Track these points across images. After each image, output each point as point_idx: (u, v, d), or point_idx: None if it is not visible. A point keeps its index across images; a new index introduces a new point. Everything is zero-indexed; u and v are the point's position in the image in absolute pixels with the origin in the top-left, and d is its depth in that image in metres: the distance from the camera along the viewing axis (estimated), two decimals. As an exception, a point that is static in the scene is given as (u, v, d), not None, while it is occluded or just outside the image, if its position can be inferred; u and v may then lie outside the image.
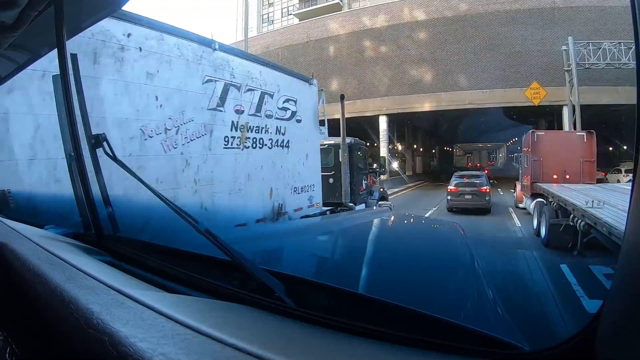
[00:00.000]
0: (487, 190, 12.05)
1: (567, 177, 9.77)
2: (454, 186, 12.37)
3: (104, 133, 1.22)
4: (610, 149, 24.46)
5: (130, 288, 0.76)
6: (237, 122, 4.20)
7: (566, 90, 18.10)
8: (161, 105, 3.31)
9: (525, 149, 11.42)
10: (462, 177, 12.97)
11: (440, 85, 21.74)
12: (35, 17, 1.16)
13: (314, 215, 5.62)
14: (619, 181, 16.11)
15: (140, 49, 3.17)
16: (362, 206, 7.46)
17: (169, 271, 0.94)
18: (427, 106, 21.93)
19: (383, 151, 21.55)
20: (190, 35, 3.72)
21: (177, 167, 3.44)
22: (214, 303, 0.79)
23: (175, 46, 3.51)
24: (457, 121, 29.61)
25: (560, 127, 19.10)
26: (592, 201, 5.80)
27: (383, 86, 23.20)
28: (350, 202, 6.76)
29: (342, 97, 6.91)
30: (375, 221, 2.40)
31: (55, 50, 1.22)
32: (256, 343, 0.55)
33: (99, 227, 1.19)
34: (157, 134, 3.27)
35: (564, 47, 18.09)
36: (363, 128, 25.08)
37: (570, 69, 17.85)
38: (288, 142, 5.15)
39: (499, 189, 19.19)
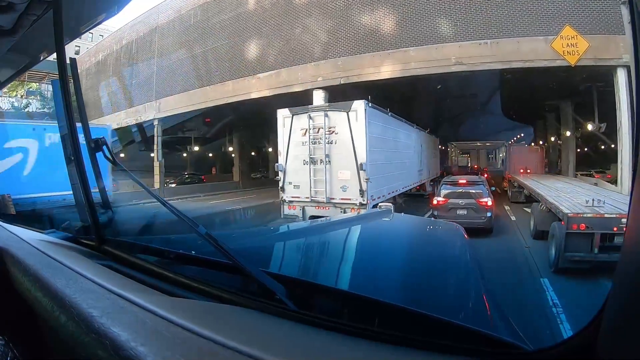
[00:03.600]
0: (488, 204, 8.76)
1: (529, 171, 16.92)
2: (443, 197, 9.16)
3: (103, 137, 1.21)
4: None
5: (131, 292, 0.76)
6: (431, 150, 18.92)
7: (625, 40, 9.88)
8: (419, 150, 15.25)
9: (507, 155, 20.30)
10: (453, 184, 9.79)
11: (408, 37, 12.98)
12: (34, 21, 1.16)
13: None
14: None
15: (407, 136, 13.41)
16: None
17: (169, 275, 0.93)
18: (387, 70, 13.18)
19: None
20: (420, 130, 16.14)
21: (416, 161, 14.44)
22: (214, 306, 0.79)
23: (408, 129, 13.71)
24: (446, 103, 19.49)
25: (613, 113, 11.00)
26: (532, 181, 11.96)
27: (318, 45, 14.57)
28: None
29: (432, 132, 19.58)
30: (376, 223, 2.40)
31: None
32: (257, 346, 0.55)
33: (98, 231, 1.18)
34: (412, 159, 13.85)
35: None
36: (274, 111, 16.50)
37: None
38: (435, 155, 20.06)
39: (506, 207, 12.54)
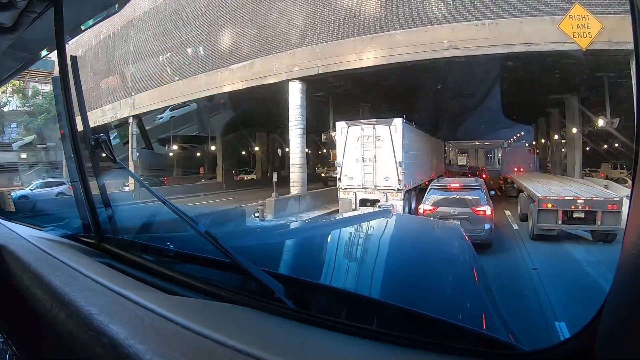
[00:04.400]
0: (487, 214, 7.26)
1: (522, 170, 17.79)
2: (431, 205, 7.72)
3: (103, 135, 1.20)
4: None
5: (130, 290, 0.76)
6: (438, 152, 22.30)
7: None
8: (429, 152, 17.63)
9: (502, 156, 22.47)
10: (444, 189, 8.18)
11: (394, 19, 11.33)
12: (35, 19, 1.16)
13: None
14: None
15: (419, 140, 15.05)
16: None
17: (168, 273, 0.93)
18: (370, 57, 11.70)
19: (295, 147, 13.19)
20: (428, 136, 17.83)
21: (429, 160, 17.21)
22: (213, 304, 0.79)
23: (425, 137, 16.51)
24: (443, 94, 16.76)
25: (627, 105, 10.20)
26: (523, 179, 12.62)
27: (294, 30, 12.99)
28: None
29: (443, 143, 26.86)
30: (375, 222, 2.40)
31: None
32: (256, 345, 0.55)
33: (98, 228, 1.18)
34: (424, 159, 15.69)
35: None
36: (260, 107, 16.76)
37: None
38: (440, 156, 23.50)
39: (506, 213, 11.24)
